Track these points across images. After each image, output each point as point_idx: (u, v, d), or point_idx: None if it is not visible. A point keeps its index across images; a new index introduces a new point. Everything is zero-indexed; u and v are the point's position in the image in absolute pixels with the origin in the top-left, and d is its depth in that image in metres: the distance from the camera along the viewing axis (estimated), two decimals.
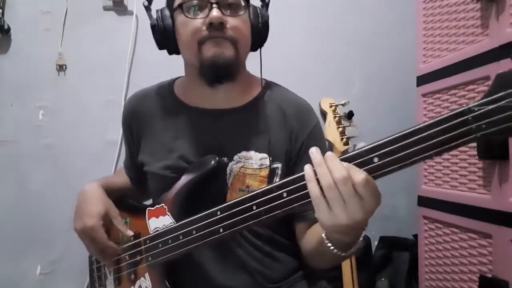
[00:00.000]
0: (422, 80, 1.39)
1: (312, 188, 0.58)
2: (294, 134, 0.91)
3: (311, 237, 0.83)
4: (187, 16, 0.81)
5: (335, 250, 0.67)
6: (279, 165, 0.89)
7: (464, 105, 0.51)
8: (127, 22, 1.67)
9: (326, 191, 0.57)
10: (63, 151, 1.63)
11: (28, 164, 1.62)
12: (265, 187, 0.68)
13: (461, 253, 1.21)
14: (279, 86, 0.99)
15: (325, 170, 0.57)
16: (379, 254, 1.66)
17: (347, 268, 1.49)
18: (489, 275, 1.09)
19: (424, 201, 1.40)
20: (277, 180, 0.88)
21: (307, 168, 0.60)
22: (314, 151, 0.59)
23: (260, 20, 0.87)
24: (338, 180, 0.56)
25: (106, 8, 1.67)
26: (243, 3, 0.84)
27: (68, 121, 1.64)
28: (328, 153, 0.59)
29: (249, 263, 0.88)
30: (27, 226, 1.60)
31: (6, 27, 1.57)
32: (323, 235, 0.67)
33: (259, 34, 0.88)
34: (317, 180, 0.58)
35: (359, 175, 0.55)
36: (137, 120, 0.97)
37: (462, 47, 1.20)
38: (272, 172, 0.88)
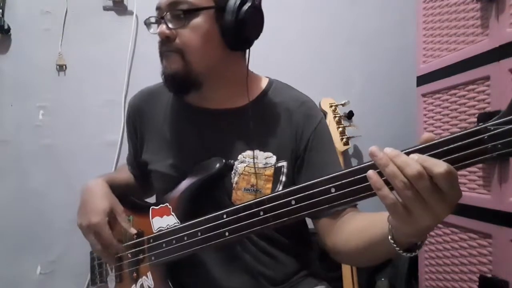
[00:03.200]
0: (422, 80, 1.39)
1: (386, 195, 0.52)
2: (300, 131, 0.90)
3: (359, 236, 0.74)
4: (150, 32, 0.87)
5: (403, 252, 0.60)
6: (284, 163, 0.88)
7: (480, 124, 0.49)
8: (127, 22, 1.67)
9: (401, 194, 0.51)
10: (63, 151, 1.63)
11: (28, 164, 1.62)
12: (273, 192, 0.68)
13: (461, 253, 1.21)
14: (282, 84, 0.98)
15: (395, 170, 0.51)
16: None
17: (347, 269, 1.49)
18: (489, 275, 1.09)
19: None
20: (283, 178, 0.88)
21: (372, 174, 0.53)
22: (374, 151, 0.53)
23: (233, 17, 0.81)
24: (412, 177, 0.49)
25: (106, 8, 1.67)
26: (192, 12, 0.81)
27: (68, 121, 1.64)
28: (388, 150, 0.52)
29: (251, 264, 0.88)
30: (27, 226, 1.60)
31: (6, 27, 1.57)
32: (389, 238, 0.60)
33: (236, 31, 0.82)
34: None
35: (439, 166, 0.49)
36: (142, 117, 0.98)
37: (462, 47, 1.21)
38: (277, 171, 0.88)
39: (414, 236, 0.57)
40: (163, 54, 0.85)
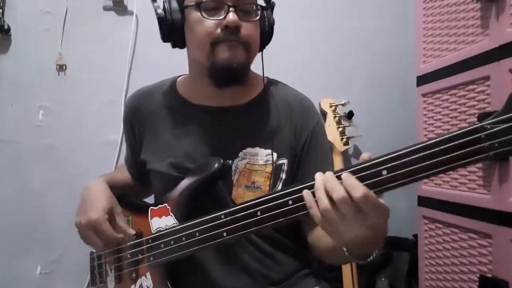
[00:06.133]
0: (422, 80, 1.39)
1: (314, 213, 0.60)
2: (299, 129, 0.91)
3: (325, 237, 0.77)
4: (203, 16, 0.81)
5: (354, 258, 0.67)
6: (285, 161, 0.90)
7: (477, 123, 0.50)
8: (127, 22, 1.67)
9: (324, 214, 0.59)
10: (63, 151, 1.63)
11: (28, 164, 1.61)
12: (271, 192, 0.69)
13: (461, 253, 1.21)
14: (281, 83, 1.00)
15: (322, 194, 0.59)
16: (379, 254, 1.66)
17: (347, 268, 1.49)
18: (489, 275, 1.09)
19: (424, 201, 1.40)
20: (283, 176, 0.89)
21: (305, 194, 0.61)
22: (317, 176, 0.61)
23: (266, 23, 0.88)
24: (337, 201, 0.57)
25: (106, 8, 1.67)
26: (258, 9, 0.85)
27: (68, 121, 1.64)
28: (327, 175, 0.60)
29: (251, 264, 0.88)
30: (27, 226, 1.60)
31: (6, 27, 1.56)
32: (344, 249, 0.67)
33: (265, 37, 0.89)
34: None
35: (357, 191, 0.56)
36: (139, 117, 0.98)
37: (462, 47, 1.20)
38: (277, 168, 0.89)
39: (351, 247, 0.64)
40: (226, 43, 0.81)
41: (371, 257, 0.67)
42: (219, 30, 0.80)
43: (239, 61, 0.81)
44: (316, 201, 0.60)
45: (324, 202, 0.58)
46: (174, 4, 0.85)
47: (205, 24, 0.81)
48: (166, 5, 0.85)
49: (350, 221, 0.57)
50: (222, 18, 0.80)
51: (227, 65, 0.81)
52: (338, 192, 0.57)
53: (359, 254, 0.66)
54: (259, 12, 0.85)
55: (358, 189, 0.56)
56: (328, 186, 0.58)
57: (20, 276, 1.60)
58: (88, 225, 0.89)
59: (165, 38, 0.88)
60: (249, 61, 0.86)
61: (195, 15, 0.83)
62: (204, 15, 0.81)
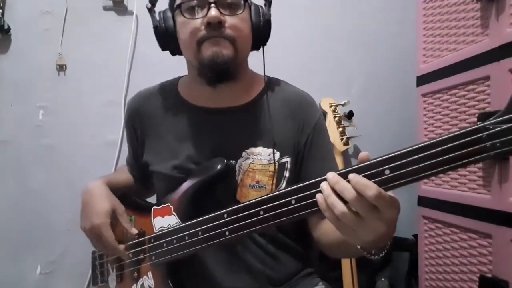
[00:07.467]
0: (422, 80, 1.40)
1: (330, 216, 0.59)
2: (301, 126, 0.92)
3: (333, 233, 0.77)
4: (185, 17, 0.82)
5: (367, 254, 0.65)
6: (288, 159, 0.90)
7: (478, 123, 0.50)
8: (127, 22, 1.67)
9: (342, 218, 0.57)
10: (63, 151, 1.63)
11: (28, 164, 1.61)
12: (274, 191, 0.68)
13: (461, 253, 1.22)
14: (280, 81, 1.00)
15: (334, 199, 0.57)
16: None
17: (348, 268, 1.49)
18: (489, 275, 1.09)
19: (424, 201, 1.40)
20: (286, 174, 0.90)
21: (319, 197, 0.60)
22: (323, 185, 0.59)
23: (261, 18, 0.87)
24: (351, 200, 0.56)
25: (106, 8, 1.67)
26: (242, 2, 0.84)
27: (68, 121, 1.64)
28: (332, 178, 0.58)
29: (253, 264, 0.88)
30: (27, 226, 1.60)
31: (6, 27, 1.56)
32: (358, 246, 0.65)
33: (261, 33, 0.88)
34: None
35: (370, 190, 0.54)
36: (141, 119, 0.98)
37: (462, 47, 1.21)
38: (281, 167, 0.89)
39: (367, 245, 0.63)
40: (210, 39, 0.80)
41: (384, 252, 0.65)
42: (202, 28, 0.80)
43: (224, 56, 0.81)
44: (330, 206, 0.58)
45: (339, 206, 0.57)
46: (168, 13, 0.87)
47: (189, 24, 0.82)
48: (161, 15, 0.87)
49: (367, 220, 0.56)
50: (204, 16, 0.80)
51: (212, 61, 0.81)
52: (350, 192, 0.56)
53: (373, 249, 0.65)
54: (245, 5, 0.84)
55: (371, 187, 0.55)
56: (337, 187, 0.57)
57: (20, 276, 1.60)
58: (91, 231, 0.90)
59: (162, 47, 0.90)
60: (237, 56, 0.83)
61: (180, 18, 0.84)
62: (187, 16, 0.82)
